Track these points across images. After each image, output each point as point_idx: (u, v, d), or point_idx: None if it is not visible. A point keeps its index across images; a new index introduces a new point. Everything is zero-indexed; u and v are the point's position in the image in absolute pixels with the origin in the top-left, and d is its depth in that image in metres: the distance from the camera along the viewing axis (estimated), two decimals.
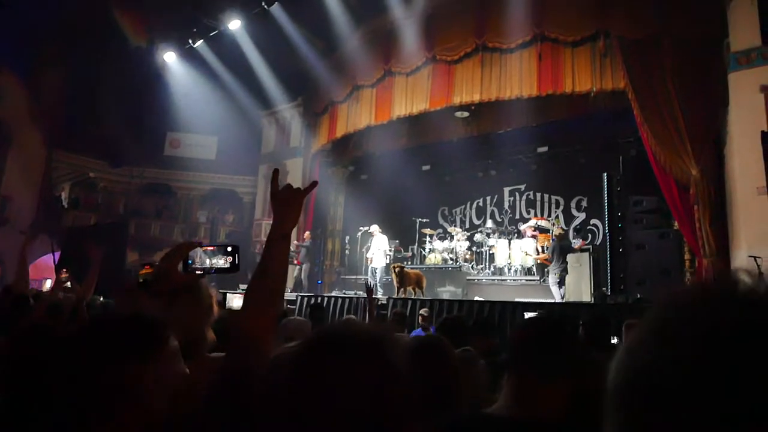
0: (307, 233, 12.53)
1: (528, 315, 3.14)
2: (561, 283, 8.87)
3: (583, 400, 1.26)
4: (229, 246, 1.46)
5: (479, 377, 2.03)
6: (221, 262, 1.46)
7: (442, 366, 1.60)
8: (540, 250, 10.62)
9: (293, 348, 0.81)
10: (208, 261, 1.42)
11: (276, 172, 1.32)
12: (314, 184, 1.38)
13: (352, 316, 5.79)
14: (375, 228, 11.25)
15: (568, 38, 9.23)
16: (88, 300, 3.61)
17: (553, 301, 8.65)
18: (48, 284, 7.81)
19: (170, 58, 14.33)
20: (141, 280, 1.52)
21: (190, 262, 1.41)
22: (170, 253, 1.41)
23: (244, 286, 10.95)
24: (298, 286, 11.67)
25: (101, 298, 6.29)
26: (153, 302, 1.34)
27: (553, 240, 9.77)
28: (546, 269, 9.82)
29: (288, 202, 1.23)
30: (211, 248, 1.46)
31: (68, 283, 3.96)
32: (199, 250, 1.41)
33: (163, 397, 1.00)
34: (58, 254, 10.43)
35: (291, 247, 11.49)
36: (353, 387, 0.70)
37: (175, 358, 1.04)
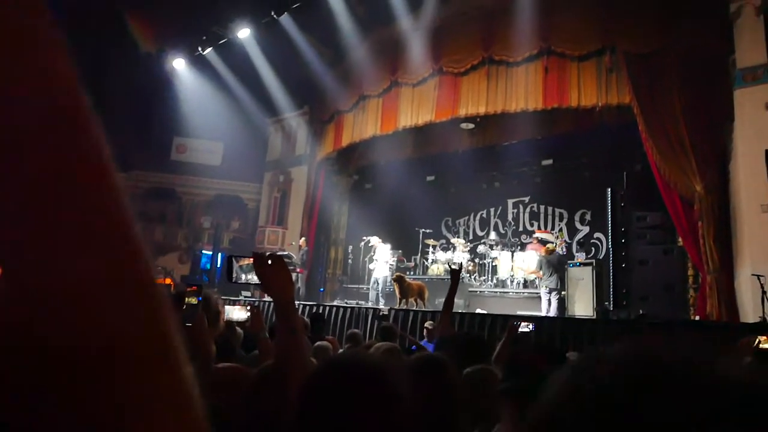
0: (302, 240, 12.62)
1: (523, 327, 3.08)
2: (553, 294, 8.88)
3: None
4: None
5: (493, 397, 1.98)
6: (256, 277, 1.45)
7: (441, 388, 1.57)
8: None
9: (309, 377, 0.84)
10: (243, 276, 1.42)
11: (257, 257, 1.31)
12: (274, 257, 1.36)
13: (357, 330, 5.78)
14: (375, 239, 11.25)
15: (575, 53, 9.28)
16: None
17: (543, 315, 8.61)
18: None
19: (179, 64, 14.46)
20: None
21: (234, 276, 1.41)
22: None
23: (246, 293, 10.97)
24: (296, 294, 11.67)
25: None
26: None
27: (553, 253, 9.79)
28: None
29: (273, 276, 1.25)
30: (247, 262, 1.45)
31: None
32: (235, 265, 1.41)
33: None
34: None
35: (293, 256, 11.34)
36: (359, 419, 0.72)
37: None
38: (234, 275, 1.41)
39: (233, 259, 1.42)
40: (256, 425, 1.09)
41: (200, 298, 1.51)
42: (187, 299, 1.51)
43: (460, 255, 11.43)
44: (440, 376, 1.59)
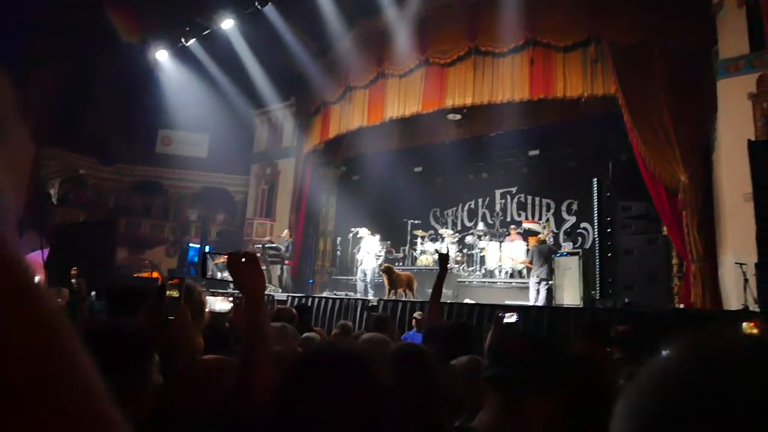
0: (286, 231, 12.58)
1: (507, 318, 3.05)
2: (542, 284, 8.94)
3: (577, 413, 1.21)
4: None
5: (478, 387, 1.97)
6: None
7: (422, 377, 1.56)
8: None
9: (287, 368, 0.84)
10: (219, 274, 1.43)
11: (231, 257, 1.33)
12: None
13: (348, 322, 5.78)
14: (364, 231, 11.25)
15: (560, 43, 9.30)
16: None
17: (530, 304, 8.68)
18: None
19: (162, 56, 14.27)
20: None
21: (210, 273, 1.42)
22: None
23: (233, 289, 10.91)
24: (284, 287, 11.65)
25: (92, 293, 6.25)
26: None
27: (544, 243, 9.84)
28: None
29: (246, 274, 1.28)
30: (222, 260, 1.45)
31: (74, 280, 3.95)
32: (210, 262, 1.43)
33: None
34: (47, 251, 10.33)
35: (281, 248, 11.31)
36: (341, 407, 0.73)
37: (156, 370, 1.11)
38: (209, 272, 1.42)
39: (208, 257, 1.44)
40: (231, 417, 1.10)
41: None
42: (168, 292, 1.49)
43: (449, 245, 11.47)
44: (420, 366, 1.58)
